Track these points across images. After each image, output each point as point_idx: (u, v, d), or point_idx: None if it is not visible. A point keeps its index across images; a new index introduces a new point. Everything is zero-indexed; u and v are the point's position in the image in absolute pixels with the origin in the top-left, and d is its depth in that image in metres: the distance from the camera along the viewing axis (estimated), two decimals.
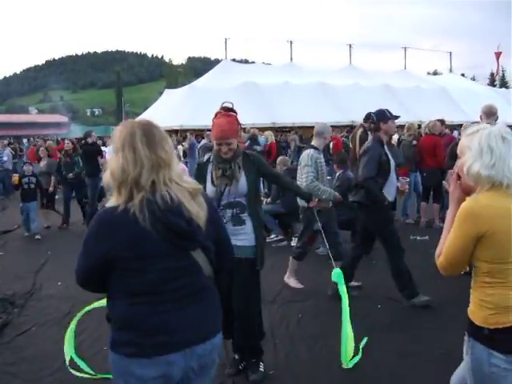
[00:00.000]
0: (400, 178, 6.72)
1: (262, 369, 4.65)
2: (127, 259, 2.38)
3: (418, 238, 9.64)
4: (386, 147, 6.33)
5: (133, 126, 2.46)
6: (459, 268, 2.69)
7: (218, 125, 4.29)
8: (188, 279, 2.50)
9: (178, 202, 2.40)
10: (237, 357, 4.81)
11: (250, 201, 4.39)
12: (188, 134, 23.68)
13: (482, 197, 2.59)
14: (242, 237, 4.38)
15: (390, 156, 6.31)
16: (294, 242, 9.64)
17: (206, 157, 4.62)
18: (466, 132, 2.77)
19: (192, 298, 2.52)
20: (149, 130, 2.47)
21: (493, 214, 2.53)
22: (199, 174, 4.53)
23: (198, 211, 2.46)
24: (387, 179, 6.22)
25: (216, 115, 4.37)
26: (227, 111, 4.38)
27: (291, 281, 7.20)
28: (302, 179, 6.68)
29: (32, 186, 11.63)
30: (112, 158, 2.44)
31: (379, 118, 6.35)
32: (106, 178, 2.44)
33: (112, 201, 2.43)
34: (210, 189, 4.38)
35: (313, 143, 6.97)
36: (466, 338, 2.72)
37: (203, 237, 2.49)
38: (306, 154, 6.79)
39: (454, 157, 8.19)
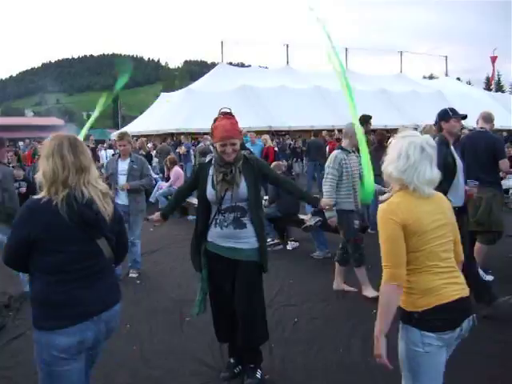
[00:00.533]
0: (468, 180, 6.36)
1: (258, 375, 4.61)
2: (45, 240, 2.94)
3: None
4: (452, 148, 6.04)
5: (61, 137, 3.08)
6: (404, 270, 2.87)
7: (222, 125, 4.30)
8: (93, 261, 3.11)
9: (90, 200, 3.04)
10: (232, 360, 4.81)
11: (250, 205, 4.39)
12: (182, 137, 23.65)
13: (393, 198, 2.99)
14: (244, 240, 4.40)
15: (456, 157, 5.99)
16: (289, 246, 9.66)
17: (207, 157, 4.61)
18: (397, 134, 3.15)
19: (96, 275, 3.14)
20: (74, 141, 3.10)
21: (405, 208, 2.89)
22: (198, 175, 4.55)
23: (106, 207, 3.12)
24: (452, 182, 5.83)
25: (216, 119, 4.39)
26: (226, 115, 4.40)
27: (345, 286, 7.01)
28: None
29: (23, 191, 10.54)
30: (44, 162, 3.04)
31: (440, 118, 6.18)
32: (39, 177, 3.04)
33: (41, 194, 3.02)
34: (210, 191, 4.39)
35: (342, 144, 6.96)
36: (400, 325, 3.00)
37: (107, 228, 3.14)
38: (332, 154, 6.81)
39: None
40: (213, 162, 4.48)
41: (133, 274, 8.06)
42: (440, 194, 3.11)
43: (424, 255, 2.88)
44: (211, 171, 4.44)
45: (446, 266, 2.92)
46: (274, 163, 10.87)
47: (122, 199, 7.87)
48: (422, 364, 2.90)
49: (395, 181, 2.99)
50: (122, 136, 7.98)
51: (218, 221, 4.42)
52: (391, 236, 2.88)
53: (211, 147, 17.18)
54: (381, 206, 2.98)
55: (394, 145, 3.03)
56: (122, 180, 7.85)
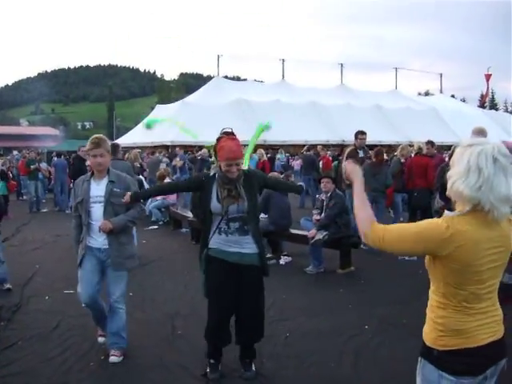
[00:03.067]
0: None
1: (253, 368, 5.03)
2: None
3: (407, 258, 9.65)
4: None
5: None
6: (388, 250, 2.59)
7: (228, 146, 4.60)
8: None
9: None
10: (212, 361, 4.98)
11: (249, 217, 4.76)
12: (177, 149, 23.67)
13: (457, 220, 2.47)
14: (247, 245, 4.76)
15: None
16: (282, 261, 9.66)
17: (212, 172, 4.94)
18: (462, 142, 2.59)
19: None
20: None
21: (459, 242, 2.43)
22: (203, 185, 4.85)
23: None
24: None
25: (221, 139, 4.69)
26: (229, 135, 4.73)
27: None
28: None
29: None
30: None
31: None
32: None
33: None
34: (216, 205, 4.70)
35: None
36: (418, 359, 2.69)
37: None
38: None
39: (443, 178, 8.25)
40: (216, 177, 4.78)
41: (114, 357, 5.35)
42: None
43: (464, 295, 2.53)
44: (215, 186, 4.75)
45: (485, 305, 2.57)
46: (271, 174, 10.86)
47: (98, 241, 5.30)
48: None
49: (468, 200, 2.47)
50: (99, 142, 5.24)
51: (222, 229, 4.76)
52: (414, 240, 2.51)
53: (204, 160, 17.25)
54: (444, 218, 2.52)
55: (460, 155, 2.52)
56: (98, 211, 5.23)
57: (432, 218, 2.76)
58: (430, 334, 2.63)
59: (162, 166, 17.82)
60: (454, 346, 2.52)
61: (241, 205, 4.67)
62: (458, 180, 2.48)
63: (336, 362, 5.29)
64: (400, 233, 2.57)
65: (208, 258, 4.82)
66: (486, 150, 2.44)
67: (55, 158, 21.75)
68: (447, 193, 2.59)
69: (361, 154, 11.14)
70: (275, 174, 11.07)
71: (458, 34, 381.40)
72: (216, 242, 4.78)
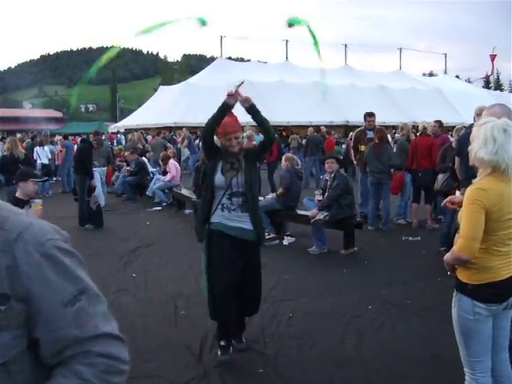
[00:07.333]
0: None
1: (244, 340, 5.20)
2: None
3: (411, 238, 9.66)
4: None
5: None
6: (477, 244, 3.13)
7: (226, 122, 4.87)
8: None
9: None
10: (223, 343, 5.02)
11: (247, 190, 4.86)
12: (184, 129, 23.63)
13: (484, 181, 3.18)
14: (247, 221, 4.88)
15: None
16: (285, 241, 9.65)
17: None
18: (477, 123, 3.37)
19: None
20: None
21: (493, 195, 3.11)
22: (214, 154, 5.00)
23: None
24: None
25: None
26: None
27: None
28: None
29: None
30: None
31: None
32: None
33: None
34: (220, 177, 4.85)
35: None
36: (454, 293, 3.34)
37: None
38: None
39: (445, 159, 8.22)
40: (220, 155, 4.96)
41: None
42: None
43: (493, 239, 3.18)
44: (219, 160, 4.92)
45: (507, 250, 3.22)
46: (286, 155, 10.67)
47: None
48: (472, 329, 3.27)
49: (488, 163, 3.16)
50: None
51: (225, 205, 4.87)
52: (474, 215, 3.13)
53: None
54: (472, 186, 3.21)
55: (477, 132, 3.21)
56: None
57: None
58: (464, 273, 3.25)
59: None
60: (485, 280, 3.19)
61: (240, 177, 4.83)
62: (478, 150, 3.15)
63: (339, 343, 5.29)
64: (465, 230, 3.16)
65: (210, 231, 4.90)
66: (496, 124, 3.15)
67: (58, 138, 21.68)
68: (470, 162, 3.29)
69: (370, 134, 11.10)
70: (291, 156, 10.77)
71: (458, 14, 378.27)
72: (218, 217, 4.88)
